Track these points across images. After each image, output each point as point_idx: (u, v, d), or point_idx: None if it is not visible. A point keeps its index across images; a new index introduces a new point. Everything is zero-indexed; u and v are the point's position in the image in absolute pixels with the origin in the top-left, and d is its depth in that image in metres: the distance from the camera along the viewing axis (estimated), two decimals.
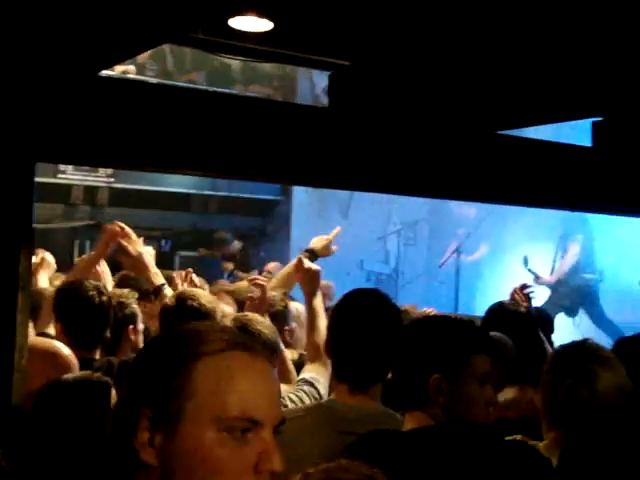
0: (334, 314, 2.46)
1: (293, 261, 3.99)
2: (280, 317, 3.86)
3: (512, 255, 8.64)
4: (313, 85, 8.51)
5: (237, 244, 8.99)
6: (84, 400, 2.20)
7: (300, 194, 9.61)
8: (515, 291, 4.35)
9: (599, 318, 7.83)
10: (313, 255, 3.95)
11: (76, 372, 2.51)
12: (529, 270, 7.96)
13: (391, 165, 3.14)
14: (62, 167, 8.25)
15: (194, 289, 3.45)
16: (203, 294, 3.20)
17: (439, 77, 3.11)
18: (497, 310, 3.68)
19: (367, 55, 3.06)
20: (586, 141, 3.71)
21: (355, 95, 3.19)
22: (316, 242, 4.04)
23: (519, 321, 3.50)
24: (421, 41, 2.92)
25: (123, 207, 8.64)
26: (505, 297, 4.30)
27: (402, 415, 2.28)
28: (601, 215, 7.65)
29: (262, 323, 3.02)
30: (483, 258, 9.23)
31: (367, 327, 2.34)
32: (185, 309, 3.01)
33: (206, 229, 9.24)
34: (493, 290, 8.68)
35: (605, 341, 7.12)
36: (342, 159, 3.04)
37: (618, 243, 8.13)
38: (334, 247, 4.12)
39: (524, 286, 4.41)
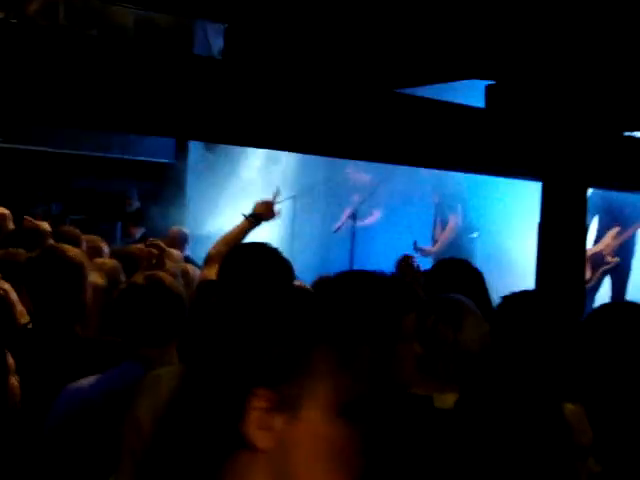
0: (221, 270, 2.42)
1: (239, 224, 3.93)
2: None
3: (403, 220, 8.81)
4: (209, 47, 8.36)
5: (136, 204, 8.82)
6: None
7: (195, 157, 9.48)
8: (400, 264, 4.38)
9: None
10: (257, 220, 3.93)
11: None
12: (418, 249, 8.17)
13: (287, 122, 3.12)
14: None
15: (63, 244, 3.32)
16: (71, 248, 3.07)
17: (338, 34, 3.10)
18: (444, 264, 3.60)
19: (263, 7, 3.02)
20: None
21: (251, 49, 3.14)
22: (259, 206, 4.00)
23: (467, 274, 3.41)
24: None
25: (12, 168, 8.32)
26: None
27: None
28: (478, 181, 7.96)
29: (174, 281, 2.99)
30: (376, 223, 9.36)
31: (254, 279, 2.30)
32: (53, 261, 2.89)
33: (98, 191, 9.01)
34: (385, 254, 8.81)
35: None
36: (237, 114, 3.00)
37: (496, 208, 8.35)
38: (277, 209, 4.12)
39: (407, 257, 4.44)
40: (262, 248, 2.48)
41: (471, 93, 4.08)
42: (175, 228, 7.84)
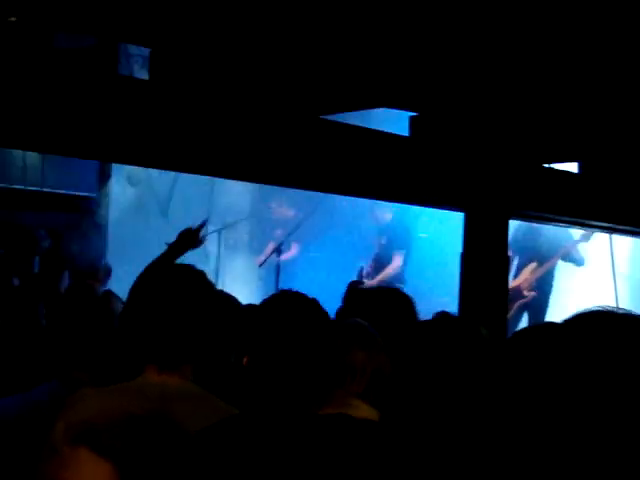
0: (138, 290, 2.34)
1: (162, 252, 3.90)
2: None
3: (328, 254, 8.86)
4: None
5: (46, 242, 8.61)
6: None
7: (118, 190, 9.35)
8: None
9: None
10: (181, 247, 3.88)
11: None
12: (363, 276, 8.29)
13: (212, 147, 3.08)
14: None
15: None
16: None
17: (264, 58, 3.09)
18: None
19: (188, 32, 3.00)
20: None
21: (176, 73, 3.11)
22: (183, 234, 3.98)
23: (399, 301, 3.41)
24: (244, 21, 2.89)
25: None
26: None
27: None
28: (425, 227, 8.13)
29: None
30: (301, 257, 9.39)
31: (172, 301, 2.23)
32: None
33: (14, 225, 8.76)
34: (310, 288, 8.79)
35: None
36: (161, 137, 2.96)
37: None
38: (202, 236, 4.14)
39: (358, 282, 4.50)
40: (181, 269, 2.41)
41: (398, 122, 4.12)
42: (96, 263, 7.70)
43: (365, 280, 8.43)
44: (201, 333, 2.28)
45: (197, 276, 2.36)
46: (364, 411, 2.32)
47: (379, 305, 3.16)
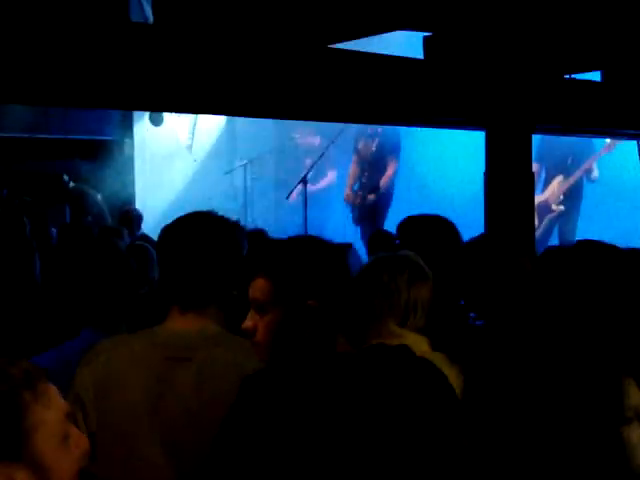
0: (162, 233, 2.33)
1: None
2: None
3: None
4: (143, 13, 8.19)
5: (72, 184, 8.63)
6: None
7: (141, 133, 9.36)
8: None
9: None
10: None
11: None
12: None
13: (223, 84, 3.05)
14: None
15: None
16: None
17: None
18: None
19: None
20: None
21: (182, 10, 3.07)
22: None
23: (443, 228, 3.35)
24: None
25: None
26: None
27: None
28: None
29: None
30: (330, 186, 9.33)
31: (193, 243, 2.22)
32: None
33: (41, 173, 8.82)
34: (340, 217, 8.80)
35: None
36: (173, 79, 2.93)
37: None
38: None
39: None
40: (203, 214, 2.39)
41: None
42: (126, 208, 7.76)
43: (361, 193, 8.32)
44: (223, 274, 2.27)
45: (216, 217, 2.36)
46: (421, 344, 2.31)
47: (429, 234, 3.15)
